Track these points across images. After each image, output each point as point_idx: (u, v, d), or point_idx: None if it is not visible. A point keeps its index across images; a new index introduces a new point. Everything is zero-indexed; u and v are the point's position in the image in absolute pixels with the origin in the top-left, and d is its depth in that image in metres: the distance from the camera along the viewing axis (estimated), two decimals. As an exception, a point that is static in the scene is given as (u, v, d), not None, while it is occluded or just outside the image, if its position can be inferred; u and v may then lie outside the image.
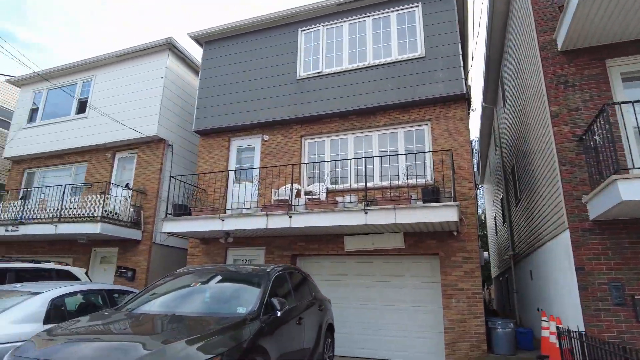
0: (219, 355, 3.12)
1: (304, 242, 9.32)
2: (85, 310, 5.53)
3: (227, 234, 9.10)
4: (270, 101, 10.36)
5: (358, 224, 7.58)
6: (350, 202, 7.93)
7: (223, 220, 8.51)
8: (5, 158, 14.23)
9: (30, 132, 13.78)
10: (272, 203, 8.91)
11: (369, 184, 8.85)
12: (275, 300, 4.42)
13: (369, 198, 7.74)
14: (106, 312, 4.42)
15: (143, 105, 11.81)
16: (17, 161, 14.08)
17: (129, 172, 12.06)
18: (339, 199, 8.15)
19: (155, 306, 4.38)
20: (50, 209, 10.81)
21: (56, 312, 4.92)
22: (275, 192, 9.39)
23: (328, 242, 9.09)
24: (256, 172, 10.09)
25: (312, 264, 9.46)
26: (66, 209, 10.51)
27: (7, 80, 14.86)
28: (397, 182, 8.69)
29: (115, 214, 10.39)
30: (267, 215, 8.18)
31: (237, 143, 10.86)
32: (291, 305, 4.94)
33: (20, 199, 11.51)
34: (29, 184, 13.73)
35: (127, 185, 11.27)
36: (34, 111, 14.12)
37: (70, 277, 8.28)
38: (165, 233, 9.20)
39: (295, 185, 9.37)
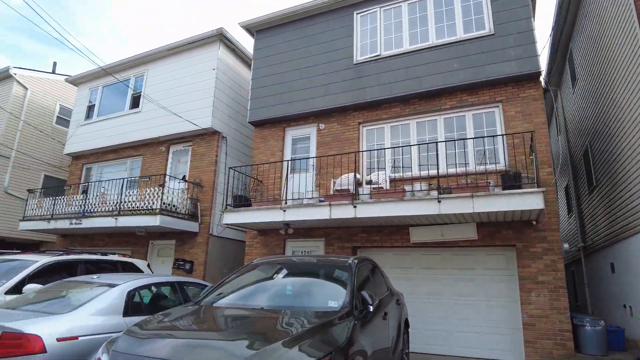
0: (328, 355, 2.80)
1: (366, 234, 8.94)
2: (159, 302, 5.41)
3: (287, 225, 8.86)
4: (325, 88, 10.00)
5: (429, 214, 7.12)
6: (421, 190, 7.45)
7: (285, 211, 8.26)
8: (66, 154, 14.69)
9: (87, 129, 14.14)
10: (333, 193, 8.57)
11: (435, 172, 8.36)
12: (366, 294, 4.08)
13: (441, 186, 7.23)
14: (189, 306, 4.21)
15: (196, 98, 11.76)
16: (77, 157, 14.50)
17: (183, 165, 12.09)
18: (407, 187, 7.69)
19: (239, 299, 4.14)
20: (110, 203, 10.99)
21: (133, 305, 4.79)
22: (334, 182, 9.04)
23: (392, 233, 8.67)
24: (313, 162, 9.80)
25: (374, 256, 9.02)
26: (125, 202, 10.63)
27: (66, 80, 15.31)
28: (466, 169, 8.14)
29: (173, 206, 10.40)
30: (330, 205, 7.85)
31: (292, 133, 10.60)
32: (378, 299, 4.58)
33: (82, 193, 11.80)
34: (88, 179, 14.12)
35: (183, 178, 11.28)
36: (90, 108, 14.47)
37: (133, 269, 8.31)
38: (224, 225, 9.08)
39: (355, 175, 8.99)
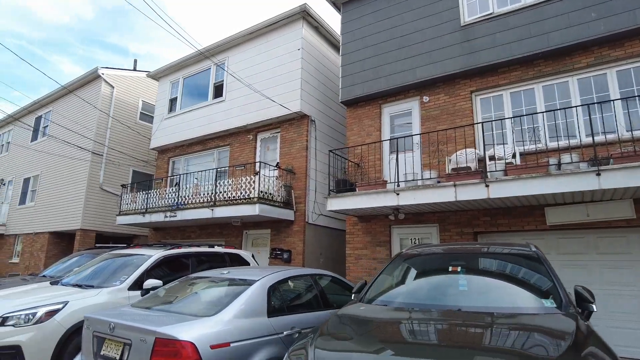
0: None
1: (489, 217, 7.90)
2: (300, 298, 4.81)
3: (397, 209, 8.06)
4: (428, 57, 8.99)
5: (585, 190, 5.96)
6: (572, 162, 6.29)
7: (398, 195, 7.44)
8: (152, 149, 14.90)
9: (171, 122, 14.18)
10: (449, 173, 7.61)
11: (564, 142, 7.13)
12: (582, 289, 3.17)
13: (597, 156, 6.04)
14: (362, 305, 3.53)
15: (281, 82, 11.22)
16: (162, 151, 14.65)
17: (272, 152, 11.66)
18: (552, 160, 6.55)
19: (420, 298, 3.39)
20: (203, 194, 10.81)
21: (275, 303, 4.23)
22: (449, 160, 8.06)
23: (522, 215, 7.56)
24: (418, 139, 8.88)
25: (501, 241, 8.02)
26: (220, 192, 10.37)
27: (147, 75, 15.49)
28: (619, 135, 6.82)
29: (270, 194, 9.97)
30: (454, 185, 6.91)
31: (389, 110, 9.72)
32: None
33: (175, 185, 11.78)
34: (174, 172, 14.20)
35: (277, 165, 10.82)
36: (173, 101, 14.50)
37: (239, 261, 7.94)
38: (329, 211, 8.45)
39: (473, 151, 7.95)
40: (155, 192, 12.23)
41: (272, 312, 4.05)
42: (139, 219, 12.36)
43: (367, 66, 9.83)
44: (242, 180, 10.03)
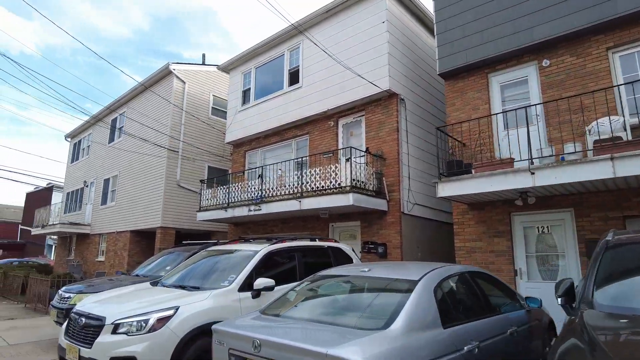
0: None
1: (645, 197, 6.46)
2: (468, 303, 3.82)
3: (526, 193, 6.82)
4: (546, 13, 7.60)
5: None
6: None
7: (533, 174, 6.22)
8: (227, 143, 14.55)
9: (245, 114, 13.72)
10: (594, 145, 6.28)
11: None
12: None
13: None
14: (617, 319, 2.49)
15: (365, 60, 10.25)
16: (238, 145, 14.24)
17: (356, 138, 10.74)
18: None
19: None
20: (289, 185, 10.13)
21: (445, 309, 3.28)
22: (589, 131, 6.70)
23: (696, 193, 6.07)
24: (540, 110, 7.56)
25: (657, 227, 6.55)
26: (307, 182, 9.63)
27: (218, 68, 15.16)
28: None
29: (362, 182, 9.07)
30: (611, 159, 5.59)
31: (499, 79, 8.43)
32: None
33: (258, 177, 11.23)
34: (250, 166, 13.74)
35: (366, 150, 9.89)
36: (245, 93, 14.03)
37: (343, 255, 7.11)
38: (441, 197, 7.37)
39: (621, 118, 6.54)
40: (237, 185, 11.78)
41: (445, 321, 3.11)
42: (220, 214, 11.98)
43: (468, 31, 8.60)
44: (331, 168, 9.20)
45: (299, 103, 11.90)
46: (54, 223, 19.92)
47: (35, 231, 22.11)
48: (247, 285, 5.18)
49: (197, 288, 5.18)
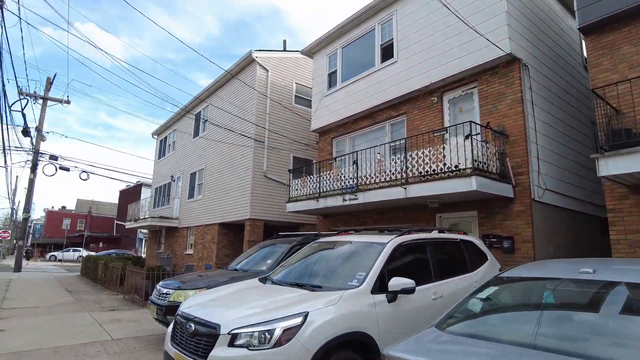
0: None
1: None
2: None
3: None
4: None
5: None
6: None
7: None
8: (313, 131, 13.76)
9: (332, 99, 12.80)
10: None
11: None
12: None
13: None
14: None
15: (477, 21, 8.76)
16: (324, 132, 13.39)
17: (467, 114, 9.31)
18: None
19: None
20: (390, 171, 9.00)
21: None
22: None
23: None
24: None
25: None
26: (413, 166, 8.43)
27: (301, 52, 14.39)
28: None
29: (484, 164, 7.68)
30: None
31: (669, 26, 6.59)
32: None
33: (353, 163, 10.24)
34: (338, 154, 12.80)
35: (487, 125, 8.43)
36: (331, 76, 13.10)
37: (475, 250, 5.87)
38: (609, 176, 5.81)
39: None
40: (329, 174, 10.90)
41: None
42: (311, 204, 11.20)
43: (623, -31, 6.83)
44: (443, 148, 7.91)
45: (393, 80, 10.71)
46: (145, 217, 20.64)
47: (129, 225, 23.20)
48: (378, 286, 4.16)
49: (319, 287, 4.26)
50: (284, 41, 17.31)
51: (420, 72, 9.98)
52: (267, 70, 15.28)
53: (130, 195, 50.21)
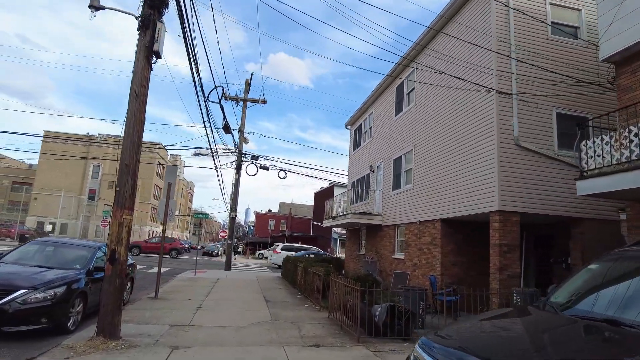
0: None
1: None
2: None
3: None
4: None
5: None
6: None
7: None
8: (604, 60, 8.20)
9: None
10: None
11: None
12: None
13: None
14: None
15: None
16: (630, 58, 7.69)
17: None
18: None
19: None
20: None
21: None
22: None
23: None
24: None
25: None
26: None
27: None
28: None
29: None
30: None
31: None
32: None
33: None
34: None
35: None
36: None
37: None
38: None
39: None
40: None
41: None
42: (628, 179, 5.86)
43: None
44: None
45: None
46: (345, 213, 17.85)
47: (326, 223, 21.02)
48: None
49: None
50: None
51: None
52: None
53: (324, 197, 50.82)
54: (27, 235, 38.79)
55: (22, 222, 56.98)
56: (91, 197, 64.90)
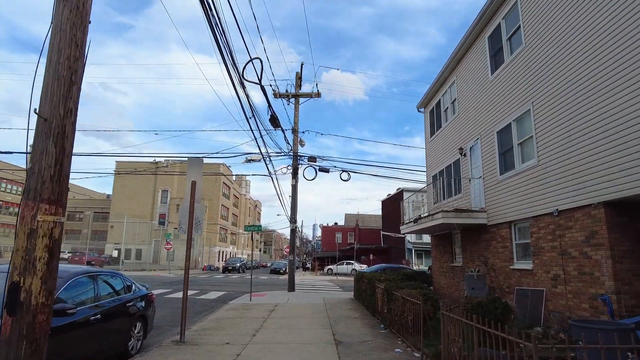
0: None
1: None
2: None
3: None
4: None
5: None
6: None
7: None
8: None
9: None
10: None
11: None
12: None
13: None
14: None
15: None
16: None
17: None
18: None
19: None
20: None
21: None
22: None
23: None
24: None
25: None
26: None
27: None
28: None
29: None
30: None
31: None
32: None
33: None
34: None
35: None
36: None
37: None
38: None
39: None
40: None
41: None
42: None
43: None
44: None
45: None
46: (433, 213, 13.65)
47: (405, 229, 16.85)
48: None
49: None
50: None
51: None
52: None
53: (393, 203, 46.49)
54: (93, 263, 38.81)
55: (100, 251, 58.67)
56: (161, 221, 65.65)
